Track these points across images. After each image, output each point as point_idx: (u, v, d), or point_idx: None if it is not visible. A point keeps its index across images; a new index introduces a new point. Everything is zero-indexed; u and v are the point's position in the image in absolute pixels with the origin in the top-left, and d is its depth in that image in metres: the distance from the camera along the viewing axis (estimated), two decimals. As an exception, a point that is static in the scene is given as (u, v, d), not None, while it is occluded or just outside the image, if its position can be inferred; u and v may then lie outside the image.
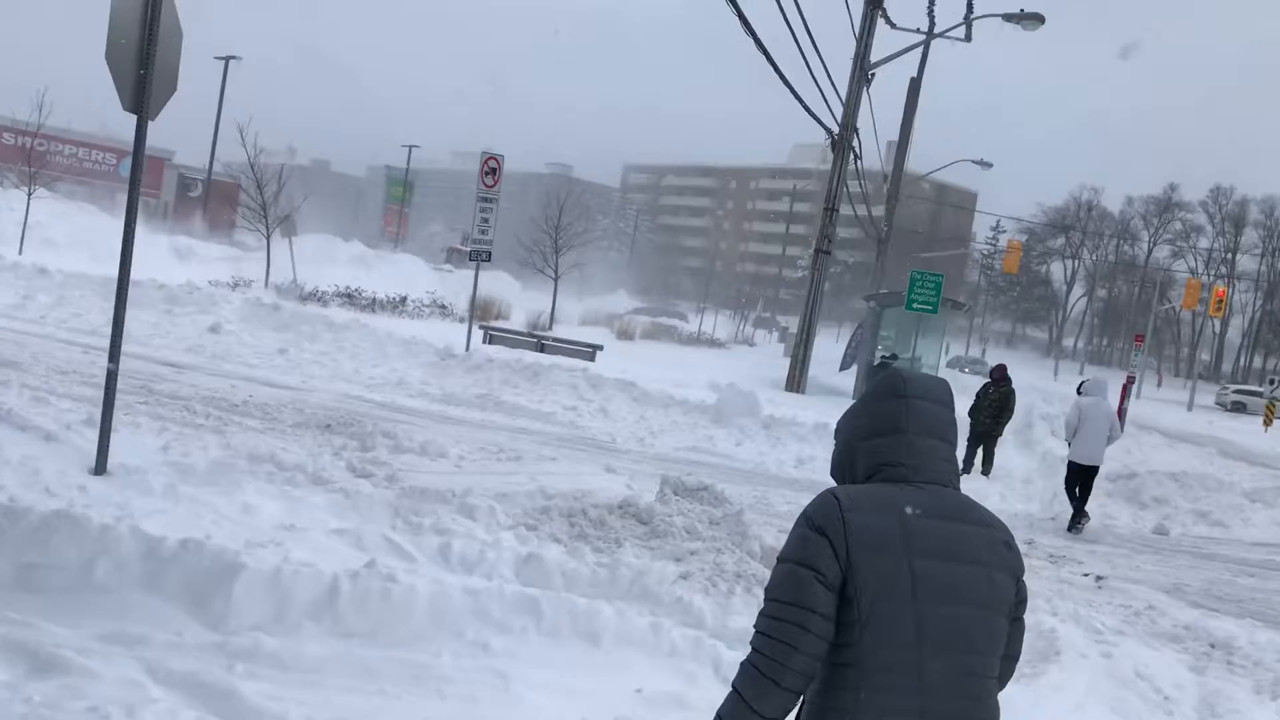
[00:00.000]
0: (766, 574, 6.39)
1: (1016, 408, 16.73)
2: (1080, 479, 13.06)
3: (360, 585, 4.85)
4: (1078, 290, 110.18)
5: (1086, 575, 10.22)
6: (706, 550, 6.40)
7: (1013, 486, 15.49)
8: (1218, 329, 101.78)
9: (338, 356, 19.18)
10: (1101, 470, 15.93)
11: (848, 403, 23.04)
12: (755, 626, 2.28)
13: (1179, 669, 7.07)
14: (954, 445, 2.44)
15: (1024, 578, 2.46)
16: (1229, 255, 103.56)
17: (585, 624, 5.13)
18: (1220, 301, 52.44)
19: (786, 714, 2.25)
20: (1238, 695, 6.59)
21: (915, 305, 21.66)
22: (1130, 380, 24.46)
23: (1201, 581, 10.95)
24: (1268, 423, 42.41)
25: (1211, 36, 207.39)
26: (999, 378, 16.61)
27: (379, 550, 5.87)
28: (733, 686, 2.27)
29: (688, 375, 23.95)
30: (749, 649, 2.28)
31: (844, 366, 29.32)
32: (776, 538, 8.09)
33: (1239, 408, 54.40)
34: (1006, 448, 16.68)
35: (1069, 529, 12.91)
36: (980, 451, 16.27)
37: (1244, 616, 9.24)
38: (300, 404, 13.37)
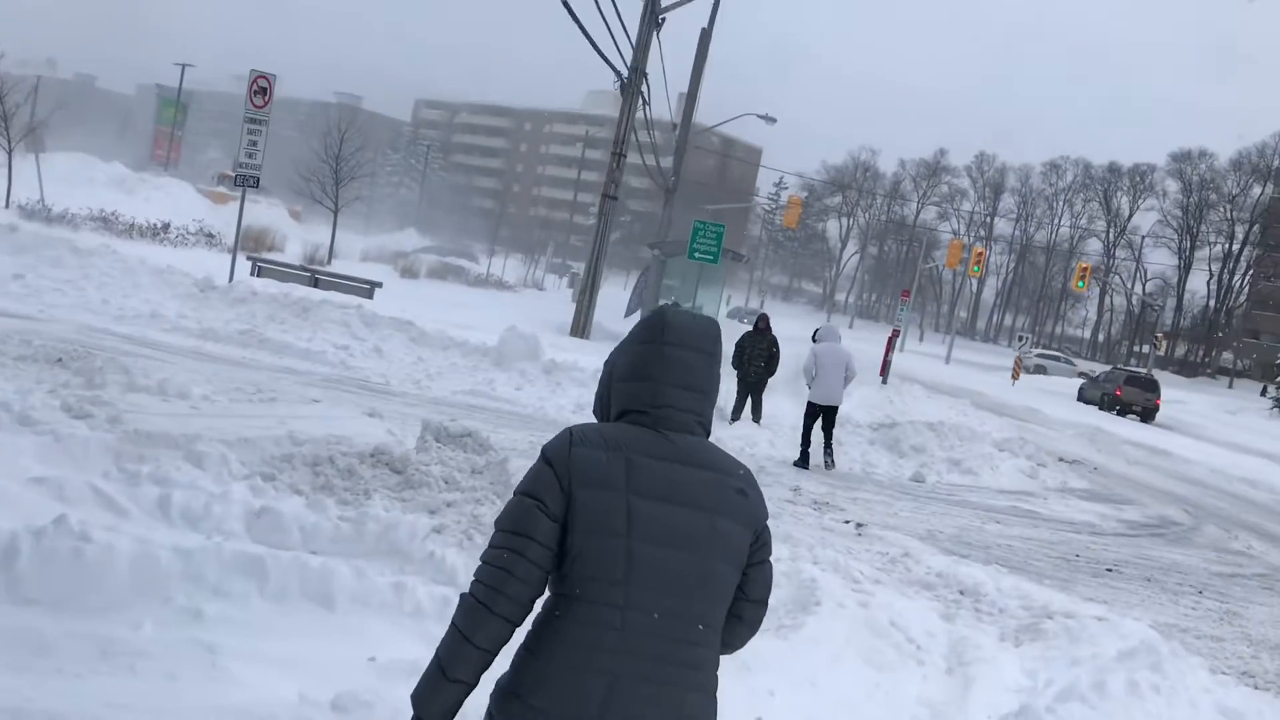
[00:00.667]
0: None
1: (784, 357, 16.74)
2: (821, 419, 14.02)
3: (45, 545, 4.18)
4: (851, 247, 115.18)
5: (847, 523, 10.44)
6: (465, 501, 6.00)
7: (781, 434, 15.76)
8: (975, 288, 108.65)
9: (83, 285, 17.49)
10: (864, 419, 16.53)
11: (629, 349, 23.37)
12: (483, 556, 2.31)
13: (931, 617, 7.22)
14: (707, 394, 2.43)
15: (767, 523, 2.47)
16: (988, 219, 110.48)
17: (317, 585, 4.65)
18: (979, 261, 55.73)
19: (501, 644, 2.27)
20: (984, 642, 6.77)
21: (697, 254, 21.80)
22: (895, 334, 25.59)
23: (953, 528, 11.41)
24: (1015, 376, 45.64)
25: (995, 8, 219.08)
26: (764, 327, 16.40)
27: (84, 503, 5.16)
28: (452, 621, 2.28)
29: (471, 317, 23.35)
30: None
31: (629, 313, 29.38)
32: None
33: (1040, 370, 57.89)
34: (776, 396, 16.99)
35: (795, 464, 13.89)
36: (750, 400, 16.32)
37: (990, 563, 9.63)
38: (31, 334, 12.02)
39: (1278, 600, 10.22)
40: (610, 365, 2.51)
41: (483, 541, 5.75)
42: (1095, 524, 13.58)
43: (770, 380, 16.42)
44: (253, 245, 32.49)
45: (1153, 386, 39.90)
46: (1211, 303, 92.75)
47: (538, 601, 2.33)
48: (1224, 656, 7.54)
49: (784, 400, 17.20)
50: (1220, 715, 5.02)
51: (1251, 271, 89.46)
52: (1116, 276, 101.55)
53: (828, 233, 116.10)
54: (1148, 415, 38.40)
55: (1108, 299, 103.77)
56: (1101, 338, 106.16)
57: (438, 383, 15.51)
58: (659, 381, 2.39)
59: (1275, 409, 52.48)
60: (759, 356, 16.03)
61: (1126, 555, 11.58)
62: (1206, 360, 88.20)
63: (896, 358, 29.48)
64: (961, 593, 8.11)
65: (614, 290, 34.92)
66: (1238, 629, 8.59)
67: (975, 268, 57.22)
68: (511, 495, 2.35)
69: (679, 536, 2.27)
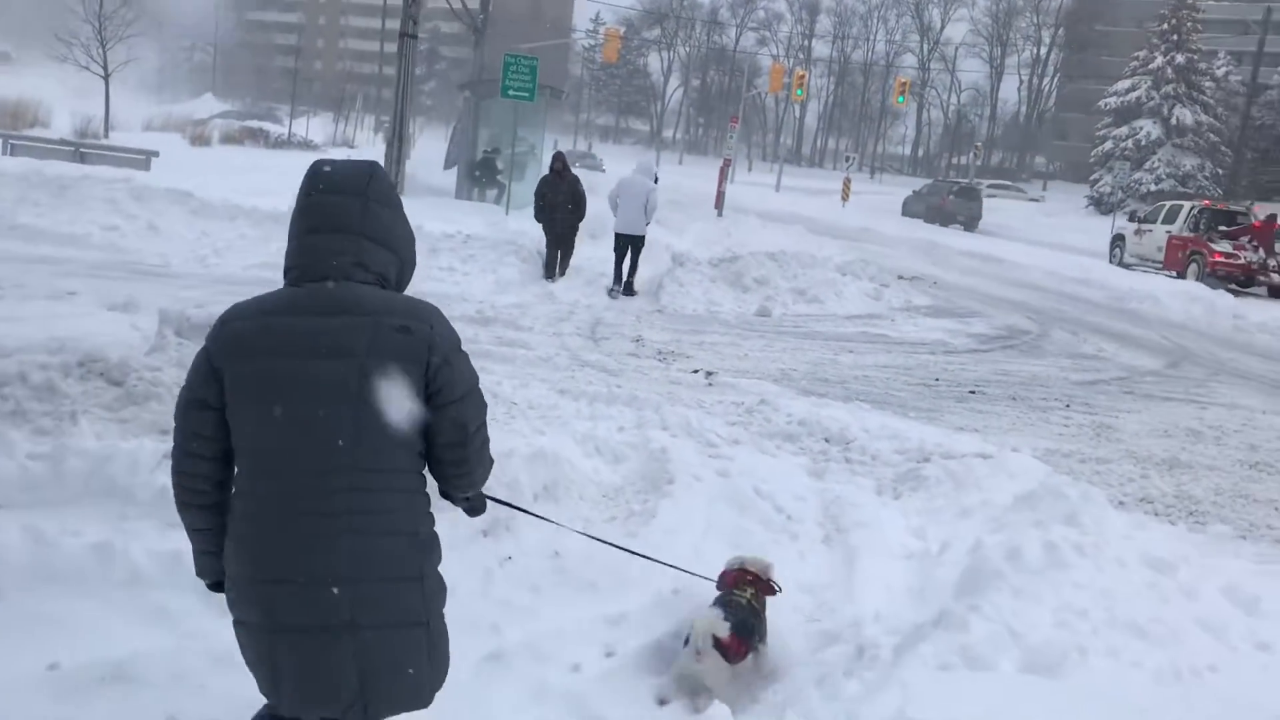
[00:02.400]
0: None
1: (590, 199, 14.95)
2: (626, 249, 14.01)
3: None
4: (674, 81, 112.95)
5: (696, 372, 9.44)
6: (211, 412, 4.65)
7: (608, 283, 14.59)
8: (798, 114, 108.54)
9: None
10: (704, 255, 15.50)
11: (450, 203, 21.06)
12: None
13: (798, 476, 6.30)
14: (362, 235, 2.31)
15: (450, 359, 2.31)
16: (806, 42, 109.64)
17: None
18: (800, 84, 54.87)
19: (214, 519, 2.35)
20: (861, 500, 5.91)
21: (510, 92, 19.96)
22: (727, 164, 24.48)
23: (806, 364, 10.57)
24: (845, 198, 45.58)
25: None
26: (560, 168, 14.48)
27: None
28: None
29: (267, 182, 21.07)
30: None
31: (448, 165, 27.26)
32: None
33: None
34: (605, 242, 15.76)
35: (610, 293, 13.87)
36: (560, 253, 14.54)
37: (851, 399, 8.83)
38: None
39: (1144, 405, 9.80)
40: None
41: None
42: (946, 341, 13.04)
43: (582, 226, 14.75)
44: (9, 122, 28.77)
45: (975, 196, 41.19)
46: (1023, 109, 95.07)
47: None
48: (1116, 481, 6.91)
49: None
50: (1150, 569, 4.22)
51: (1058, 75, 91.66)
52: (932, 90, 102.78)
53: (649, 67, 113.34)
54: (971, 223, 39.41)
55: (925, 113, 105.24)
56: (921, 153, 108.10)
57: (226, 259, 13.71)
58: (301, 234, 2.33)
59: (1090, 207, 54.28)
60: (562, 203, 14.24)
61: (985, 373, 11.01)
62: (1021, 165, 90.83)
63: (728, 189, 28.54)
64: (827, 440, 7.22)
65: (435, 142, 32.58)
66: (1117, 445, 8.02)
67: (798, 90, 56.31)
68: None
69: (319, 387, 2.22)
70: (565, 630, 4.11)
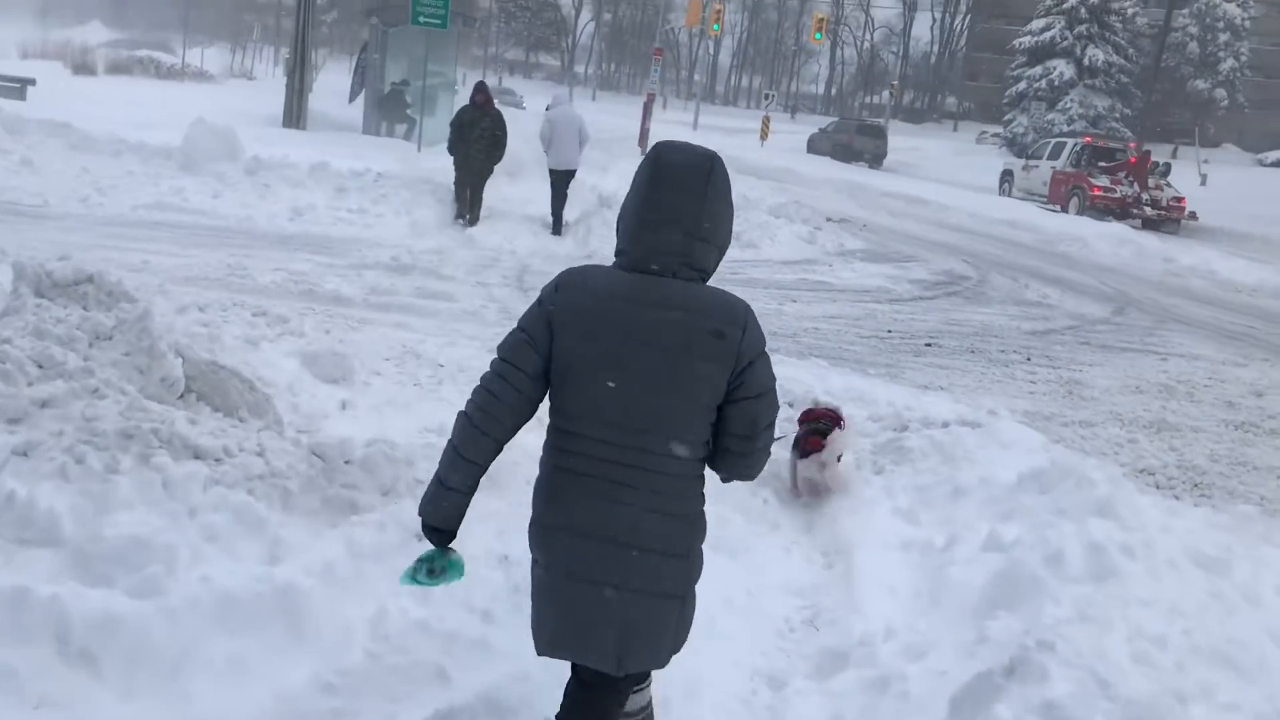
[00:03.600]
0: (190, 426, 3.86)
1: (511, 136, 13.47)
2: (560, 184, 13.37)
3: None
4: (585, 14, 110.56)
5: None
6: (74, 395, 3.73)
7: (533, 229, 13.66)
8: (712, 51, 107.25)
9: None
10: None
11: (357, 138, 19.68)
12: (480, 382, 2.44)
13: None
14: (693, 234, 2.37)
15: (754, 362, 2.37)
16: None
17: None
18: (718, 18, 53.82)
19: (488, 458, 2.43)
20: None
21: (422, 19, 18.67)
22: (651, 98, 23.53)
23: (752, 315, 9.86)
24: (764, 137, 44.89)
25: None
26: (483, 100, 13.00)
27: None
28: (449, 438, 2.44)
29: (157, 115, 19.55)
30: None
31: (352, 97, 25.75)
32: (214, 345, 5.53)
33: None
34: (532, 180, 14.80)
35: (553, 233, 13.33)
36: (469, 195, 13.06)
37: (806, 355, 8.19)
38: None
39: (1104, 357, 9.32)
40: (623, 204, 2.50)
41: (106, 463, 3.55)
42: (889, 288, 12.47)
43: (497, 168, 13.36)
44: None
45: (880, 134, 41.98)
46: (935, 48, 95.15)
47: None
48: (1106, 447, 6.38)
49: (540, 185, 14.99)
50: (1205, 571, 3.62)
51: (970, 15, 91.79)
52: (846, 28, 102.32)
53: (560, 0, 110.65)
54: (876, 161, 40.11)
55: (839, 52, 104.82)
56: (835, 91, 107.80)
57: (112, 198, 12.44)
58: (639, 225, 2.40)
59: (1003, 146, 54.48)
60: (481, 138, 12.82)
61: (936, 323, 10.45)
62: (933, 106, 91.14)
63: (650, 126, 27.57)
64: (790, 405, 6.52)
65: (340, 75, 30.84)
66: (1095, 405, 7.50)
67: (715, 25, 55.25)
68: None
69: (639, 374, 2.32)
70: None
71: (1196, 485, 5.75)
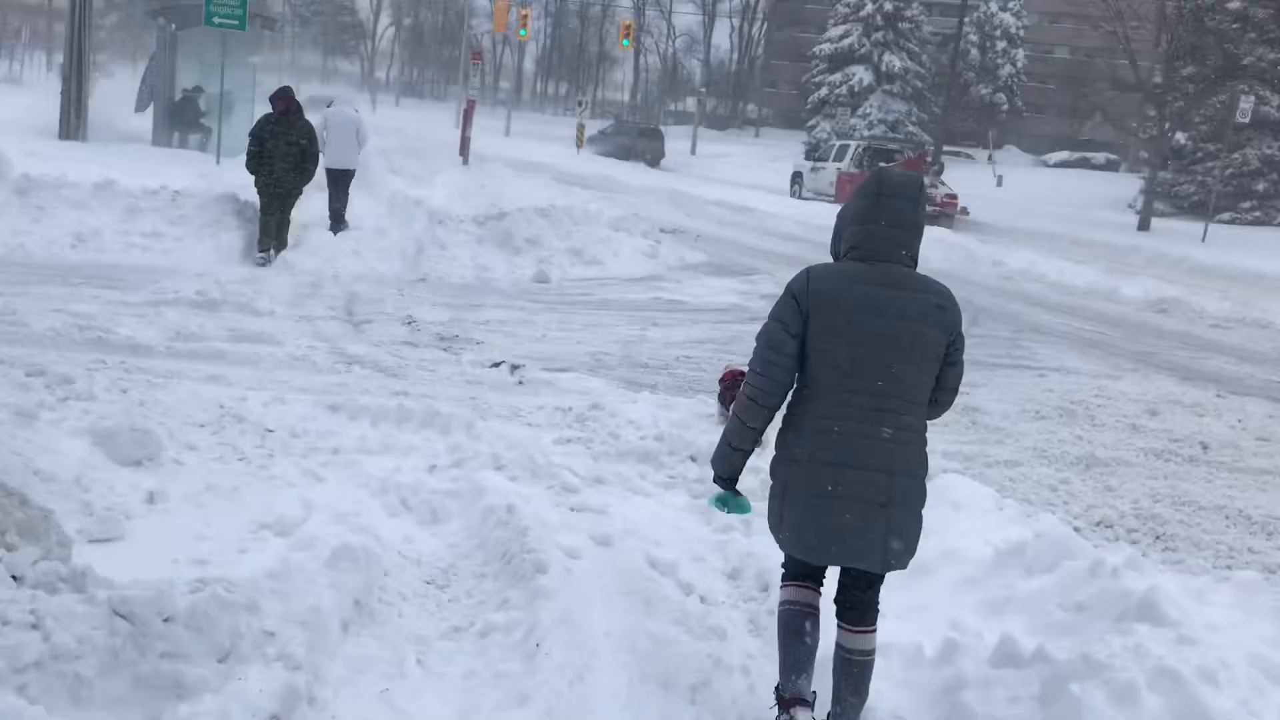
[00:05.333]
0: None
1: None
2: (336, 183, 12.39)
3: None
4: (385, 19, 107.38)
5: (497, 366, 7.60)
6: None
7: (364, 242, 12.36)
8: (516, 59, 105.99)
9: None
10: (466, 211, 13.52)
11: (147, 151, 17.63)
12: (749, 366, 3.13)
13: (691, 525, 4.70)
14: (912, 233, 3.08)
15: (960, 331, 3.11)
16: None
17: None
18: (525, 24, 52.81)
19: (766, 424, 3.13)
20: (776, 554, 4.34)
21: (216, 20, 16.94)
22: (472, 105, 22.25)
23: (616, 345, 8.96)
24: (580, 145, 44.23)
25: None
26: (285, 109, 11.08)
27: None
28: (732, 412, 3.18)
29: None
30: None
31: (140, 107, 23.37)
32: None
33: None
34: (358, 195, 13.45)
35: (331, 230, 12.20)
36: (275, 221, 11.12)
37: (688, 390, 7.34)
38: None
39: (984, 376, 8.84)
40: (841, 216, 3.20)
41: None
42: (744, 306, 11.80)
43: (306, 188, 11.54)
44: None
45: (657, 136, 45.24)
46: (735, 56, 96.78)
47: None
48: (1047, 494, 5.75)
49: (361, 200, 13.63)
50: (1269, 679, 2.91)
51: (766, 23, 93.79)
52: (648, 35, 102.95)
53: (357, 3, 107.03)
54: (654, 160, 42.22)
55: (642, 59, 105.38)
56: (640, 98, 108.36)
57: None
58: (874, 225, 3.06)
59: (809, 159, 55.39)
60: (287, 153, 10.94)
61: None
62: (735, 113, 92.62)
63: (456, 134, 26.20)
64: (693, 459, 5.66)
65: (125, 83, 28.16)
66: (1008, 437, 6.93)
67: (523, 30, 54.24)
68: (767, 321, 3.10)
69: (888, 339, 2.98)
70: None
71: (1159, 537, 5.18)
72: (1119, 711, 2.75)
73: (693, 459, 5.65)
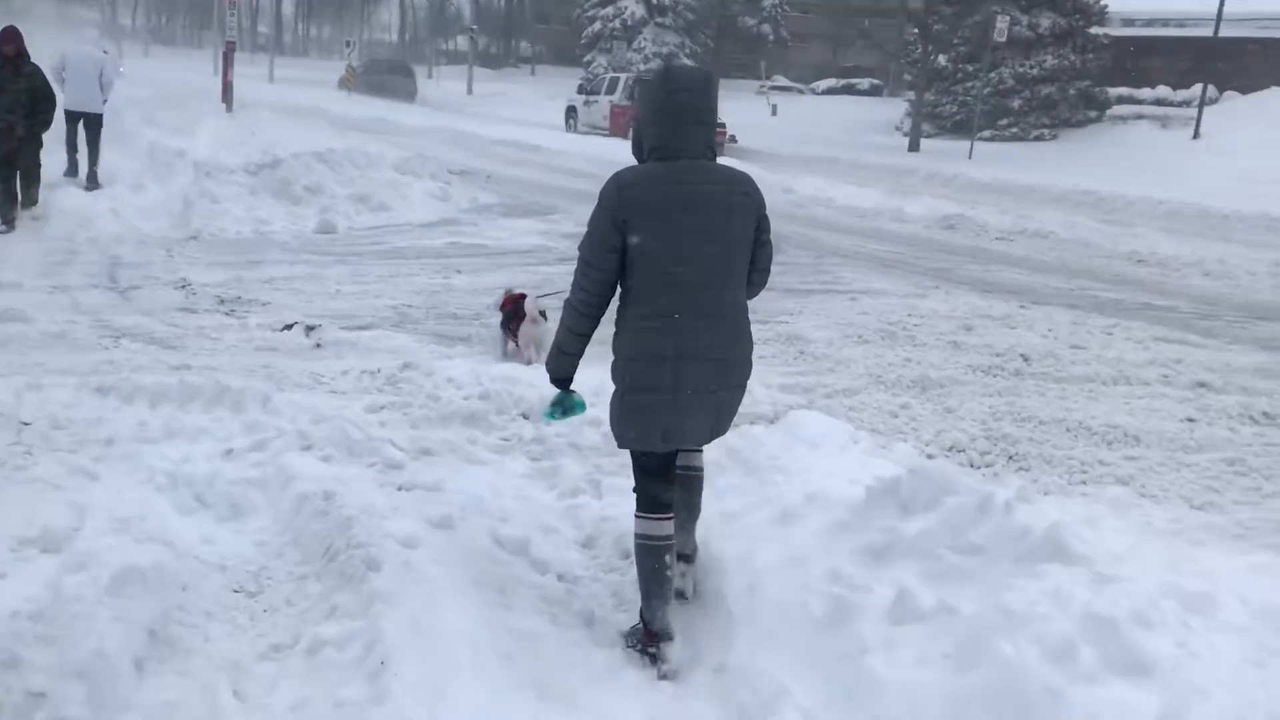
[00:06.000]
0: None
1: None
2: (78, 129, 11.51)
3: None
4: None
5: (289, 328, 6.84)
6: None
7: (122, 199, 11.11)
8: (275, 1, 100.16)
9: None
10: (234, 161, 12.38)
11: None
12: (574, 277, 3.20)
13: (537, 491, 4.24)
14: (709, 126, 3.17)
15: (764, 213, 3.28)
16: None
17: None
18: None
19: (593, 328, 3.24)
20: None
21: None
22: (231, 47, 20.46)
23: (420, 296, 8.30)
24: (349, 85, 42.36)
25: None
26: (13, 53, 9.63)
27: None
28: (560, 320, 3.25)
29: None
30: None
31: None
32: None
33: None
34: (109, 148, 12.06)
35: (86, 190, 11.23)
36: (18, 180, 9.86)
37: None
38: None
39: (797, 302, 8.68)
40: (638, 117, 3.24)
41: None
42: (549, 247, 11.30)
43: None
44: None
45: (409, 73, 45.97)
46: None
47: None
48: (893, 421, 5.55)
49: (114, 154, 12.26)
50: (1200, 616, 2.74)
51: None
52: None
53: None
54: (409, 97, 42.52)
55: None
56: (409, 38, 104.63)
57: None
58: (672, 123, 3.13)
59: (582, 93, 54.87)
60: (12, 104, 9.63)
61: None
62: (509, 51, 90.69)
63: (216, 81, 24.25)
64: (525, 416, 5.19)
65: None
66: (838, 364, 6.73)
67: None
68: (586, 231, 3.15)
69: (704, 232, 3.11)
70: None
71: (1012, 457, 5.07)
72: (1058, 669, 2.49)
73: (525, 416, 5.17)
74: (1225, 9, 28.49)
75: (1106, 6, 32.08)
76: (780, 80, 56.74)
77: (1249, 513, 4.47)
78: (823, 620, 3.21)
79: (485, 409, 5.21)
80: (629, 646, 3.25)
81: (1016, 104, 31.57)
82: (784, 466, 4.32)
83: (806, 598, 3.36)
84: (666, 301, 3.08)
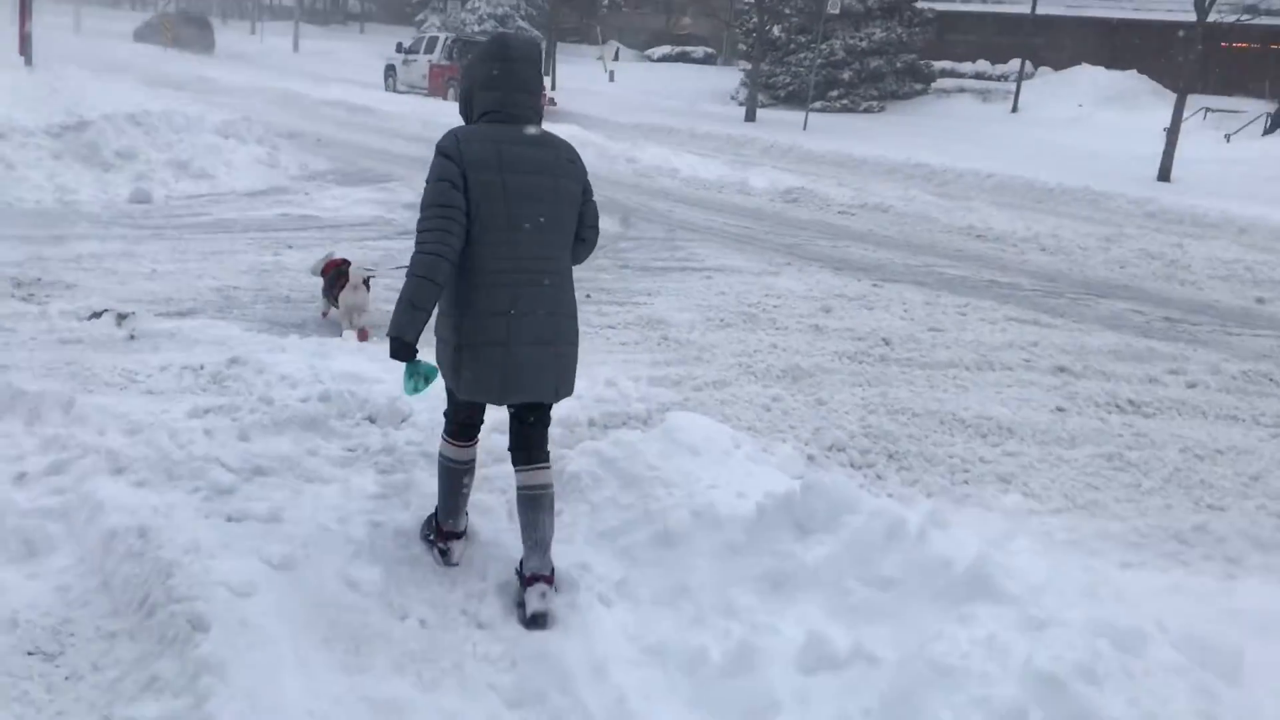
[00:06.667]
0: None
1: None
2: None
3: None
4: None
5: (97, 316, 6.08)
6: None
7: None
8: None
9: None
10: (34, 123, 11.18)
11: None
12: (418, 228, 3.18)
13: (393, 511, 3.76)
14: (537, 94, 3.34)
15: (587, 178, 3.46)
16: None
17: None
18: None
19: (448, 280, 3.16)
20: (504, 536, 3.57)
21: None
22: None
23: (247, 277, 7.59)
24: (167, 41, 40.01)
25: None
26: None
27: None
28: (411, 273, 3.11)
29: None
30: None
31: None
32: None
33: None
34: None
35: None
36: None
37: (344, 331, 6.25)
38: None
39: (653, 281, 8.32)
40: (466, 79, 3.39)
41: None
42: (388, 219, 10.67)
43: None
44: None
45: (206, 24, 44.93)
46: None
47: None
48: (772, 420, 5.25)
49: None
50: (1131, 656, 2.54)
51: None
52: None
53: None
54: (206, 49, 41.57)
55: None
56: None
57: None
58: (506, 89, 3.28)
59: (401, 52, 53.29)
60: None
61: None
62: (337, 6, 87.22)
63: (12, 32, 22.11)
64: (372, 420, 4.68)
65: None
66: (702, 351, 6.41)
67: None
68: (427, 183, 3.18)
69: (536, 193, 3.25)
70: None
71: (892, 456, 4.86)
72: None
73: (371, 420, 4.67)
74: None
75: (933, -19, 32.87)
76: (617, 45, 56.36)
77: (1134, 514, 4.41)
78: (724, 667, 2.89)
79: (325, 413, 4.68)
80: (423, 537, 3.59)
81: (847, 75, 32.07)
82: (665, 477, 3.98)
83: (703, 639, 3.03)
84: (500, 259, 3.18)
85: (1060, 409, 5.73)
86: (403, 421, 4.67)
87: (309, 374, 5.10)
